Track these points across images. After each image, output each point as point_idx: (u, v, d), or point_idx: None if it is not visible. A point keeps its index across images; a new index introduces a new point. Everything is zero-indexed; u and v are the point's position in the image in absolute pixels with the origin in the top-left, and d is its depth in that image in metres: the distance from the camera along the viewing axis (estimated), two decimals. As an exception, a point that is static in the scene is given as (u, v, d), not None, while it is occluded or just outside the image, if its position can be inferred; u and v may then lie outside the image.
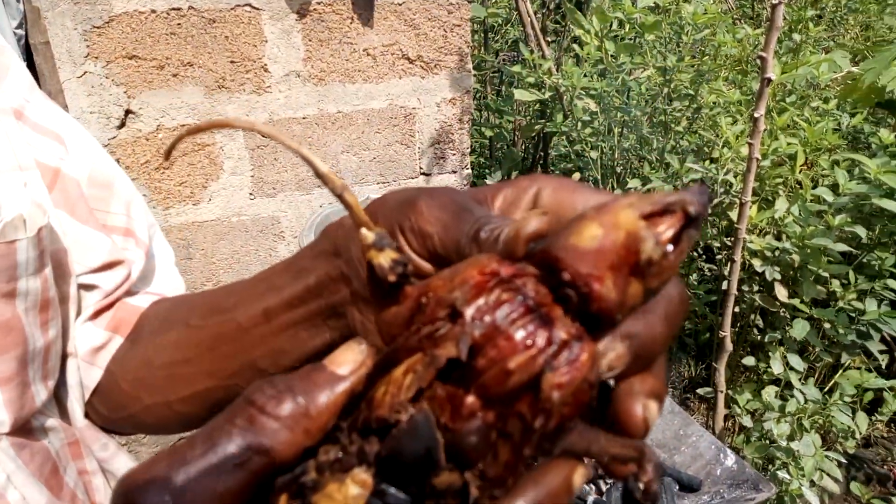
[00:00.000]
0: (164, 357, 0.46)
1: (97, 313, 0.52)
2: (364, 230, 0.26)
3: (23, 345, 0.43)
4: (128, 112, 1.69)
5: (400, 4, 1.80)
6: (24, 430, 0.46)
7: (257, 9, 1.68)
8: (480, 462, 0.22)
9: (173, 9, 1.62)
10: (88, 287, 0.52)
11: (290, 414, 0.22)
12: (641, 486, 0.23)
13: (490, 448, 0.22)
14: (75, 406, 0.51)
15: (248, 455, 0.22)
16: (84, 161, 0.52)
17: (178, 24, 1.64)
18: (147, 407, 0.47)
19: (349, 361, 0.24)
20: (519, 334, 0.21)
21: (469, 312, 0.21)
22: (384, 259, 0.25)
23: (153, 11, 1.61)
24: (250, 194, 1.87)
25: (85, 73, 1.64)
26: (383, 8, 1.78)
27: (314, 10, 1.73)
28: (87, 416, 0.52)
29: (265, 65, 1.74)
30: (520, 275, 0.22)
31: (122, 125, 1.69)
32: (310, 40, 1.76)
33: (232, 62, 1.72)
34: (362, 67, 1.83)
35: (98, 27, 1.59)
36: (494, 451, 0.22)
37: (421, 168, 2.05)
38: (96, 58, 1.61)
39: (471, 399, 0.21)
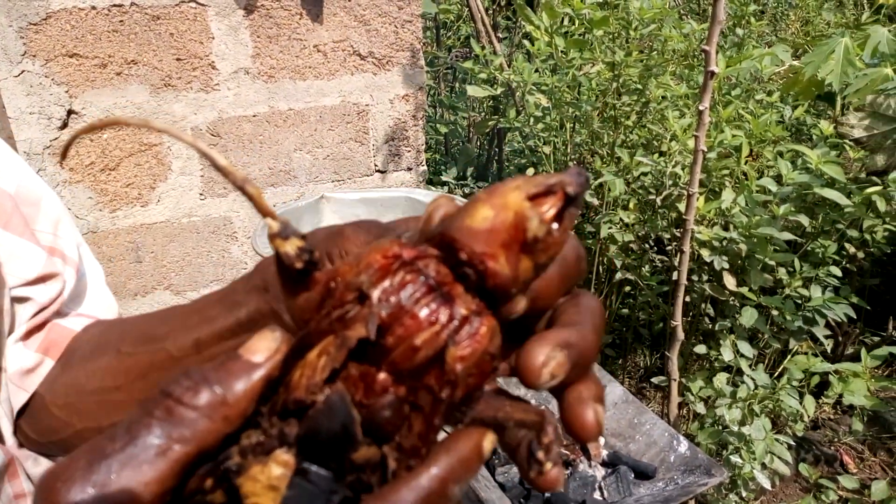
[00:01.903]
0: (95, 383, 0.46)
1: (29, 333, 0.50)
2: (269, 220, 0.26)
3: None
4: (70, 112, 1.64)
5: (349, 0, 1.78)
6: None
7: (203, 5, 1.65)
8: (396, 435, 0.23)
9: (115, 5, 1.57)
10: (22, 300, 0.50)
11: (207, 403, 0.22)
12: (543, 447, 0.24)
13: (404, 421, 0.23)
14: (4, 422, 0.49)
15: (168, 444, 0.22)
16: (11, 177, 0.51)
17: (121, 20, 1.59)
18: (78, 432, 0.47)
19: (263, 349, 0.24)
20: (423, 312, 0.23)
21: (375, 294, 0.23)
22: (290, 247, 0.26)
23: (93, 8, 1.56)
24: (200, 194, 1.83)
25: (23, 71, 1.58)
26: (332, 4, 1.76)
27: (261, 5, 1.70)
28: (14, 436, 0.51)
29: (213, 62, 1.71)
30: (421, 256, 0.24)
31: (65, 126, 1.64)
32: (258, 37, 1.73)
33: (178, 60, 1.68)
34: (313, 64, 1.81)
35: (35, 24, 1.53)
36: (408, 423, 0.23)
37: (376, 165, 2.04)
38: (34, 56, 1.55)
39: (382, 376, 0.22)
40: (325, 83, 1.85)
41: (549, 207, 0.23)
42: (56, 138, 1.63)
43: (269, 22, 1.73)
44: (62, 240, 0.54)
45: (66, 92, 1.60)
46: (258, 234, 1.53)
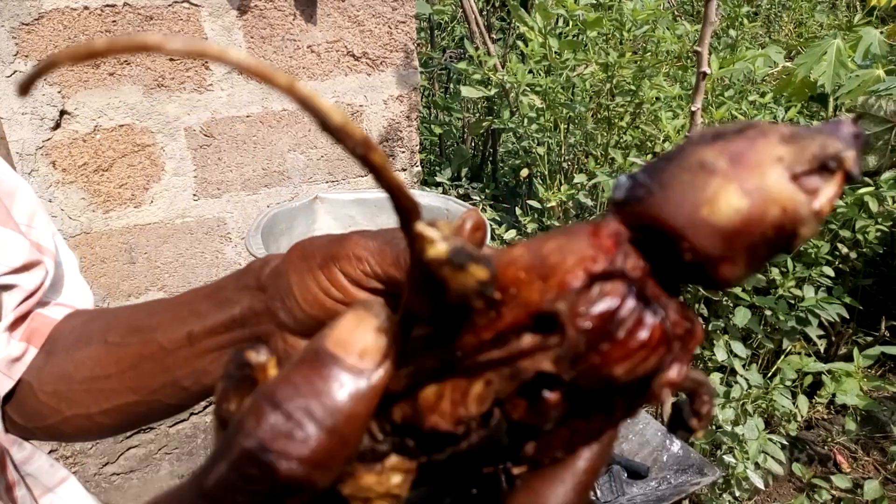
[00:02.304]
0: (83, 372, 0.47)
1: (15, 322, 0.51)
2: (426, 231, 0.18)
3: None
4: (63, 113, 1.63)
5: (343, 1, 1.78)
6: None
7: (196, 5, 1.64)
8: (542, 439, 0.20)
9: (107, 6, 1.57)
10: (8, 288, 0.51)
11: (320, 447, 0.19)
12: (695, 414, 0.23)
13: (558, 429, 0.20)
14: None
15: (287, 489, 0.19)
16: None
17: (114, 21, 1.59)
18: (67, 418, 0.48)
19: (371, 351, 0.19)
20: (630, 340, 0.18)
21: (572, 325, 0.18)
22: (468, 280, 0.18)
23: (86, 8, 1.56)
24: (194, 195, 1.82)
25: (15, 72, 1.57)
26: (326, 4, 1.76)
27: (255, 6, 1.70)
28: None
29: (206, 62, 1.71)
30: (623, 266, 0.18)
31: (57, 126, 1.63)
32: (251, 37, 1.73)
33: (171, 60, 1.67)
34: (307, 65, 1.81)
35: (27, 24, 1.53)
36: (565, 430, 0.20)
37: (370, 166, 2.04)
38: (26, 56, 1.55)
39: (554, 397, 0.19)
40: (319, 84, 1.85)
41: (826, 199, 0.17)
42: (49, 139, 1.62)
43: (263, 22, 1.72)
44: (38, 230, 0.54)
45: (59, 92, 1.60)
46: (251, 235, 1.53)
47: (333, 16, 1.79)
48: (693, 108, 1.14)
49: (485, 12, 2.86)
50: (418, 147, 2.12)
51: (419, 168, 2.13)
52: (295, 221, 1.73)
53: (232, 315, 0.38)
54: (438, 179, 2.51)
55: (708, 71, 1.12)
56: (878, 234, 1.84)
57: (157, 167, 1.76)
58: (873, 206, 1.76)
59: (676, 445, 1.01)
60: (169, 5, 1.62)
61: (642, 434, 1.06)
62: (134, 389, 0.44)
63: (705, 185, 0.17)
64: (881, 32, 2.04)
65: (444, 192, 2.46)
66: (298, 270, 0.34)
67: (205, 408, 1.87)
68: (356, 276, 0.31)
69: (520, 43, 2.02)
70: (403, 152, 2.06)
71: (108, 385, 0.45)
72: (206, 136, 1.78)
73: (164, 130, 1.73)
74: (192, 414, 1.85)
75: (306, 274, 0.33)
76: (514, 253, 0.19)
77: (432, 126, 2.75)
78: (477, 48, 2.05)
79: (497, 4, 2.93)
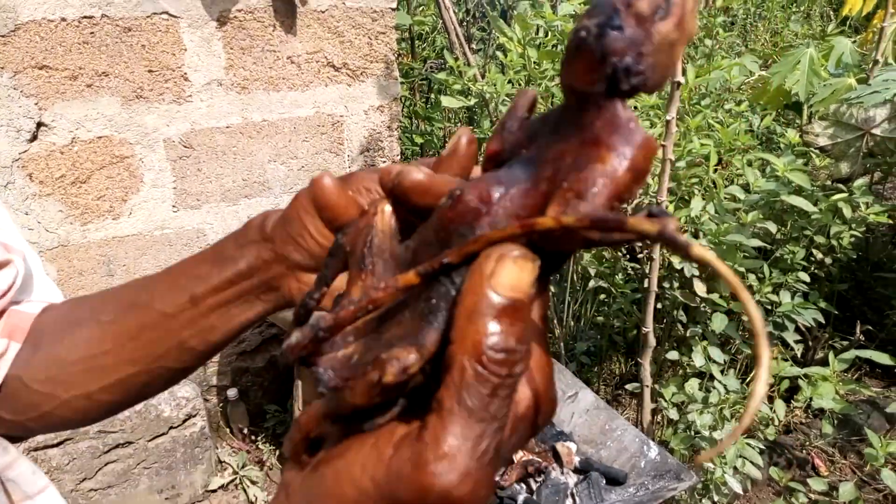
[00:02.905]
0: (78, 353, 0.48)
1: None
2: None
3: None
4: (40, 125, 1.62)
5: (323, 12, 1.79)
6: None
7: (175, 17, 1.64)
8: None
9: (85, 17, 1.56)
10: None
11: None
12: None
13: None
14: None
15: None
16: None
17: (91, 32, 1.58)
18: (65, 401, 0.49)
19: (525, 283, 0.23)
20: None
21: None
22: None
23: (63, 20, 1.55)
24: (173, 207, 1.82)
25: (-10, 84, 1.56)
26: (306, 16, 1.77)
27: (234, 17, 1.70)
28: None
29: (185, 73, 1.70)
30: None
31: (34, 138, 1.62)
32: (231, 48, 1.73)
33: (150, 71, 1.67)
34: (287, 75, 1.81)
35: (3, 36, 1.52)
36: None
37: (351, 176, 2.05)
38: (2, 68, 1.54)
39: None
40: (300, 94, 1.85)
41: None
42: (25, 151, 1.61)
43: (243, 33, 1.73)
44: (4, 230, 0.54)
45: (36, 104, 1.59)
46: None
47: (313, 27, 1.80)
48: (668, 118, 1.16)
49: (465, 23, 2.88)
50: (399, 157, 2.13)
51: (400, 177, 2.13)
52: (275, 232, 1.73)
53: (237, 270, 0.42)
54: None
55: (682, 80, 1.14)
56: (853, 239, 1.87)
57: (135, 179, 1.75)
58: (847, 212, 1.79)
59: (654, 451, 1.02)
60: (147, 17, 1.62)
61: (620, 440, 1.07)
62: (135, 361, 0.46)
63: None
64: (853, 42, 2.08)
65: (426, 201, 2.46)
66: (309, 211, 0.40)
67: (184, 421, 1.86)
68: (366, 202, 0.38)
69: (499, 53, 2.04)
70: (385, 162, 2.07)
71: (106, 361, 0.47)
72: (185, 147, 1.78)
73: (142, 142, 1.73)
74: (171, 427, 1.84)
75: (317, 212, 0.39)
76: None
77: (414, 136, 2.76)
78: (457, 59, 2.06)
79: (477, 15, 2.95)
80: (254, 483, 1.96)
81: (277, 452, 2.09)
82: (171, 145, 1.76)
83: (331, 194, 0.39)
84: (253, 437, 2.13)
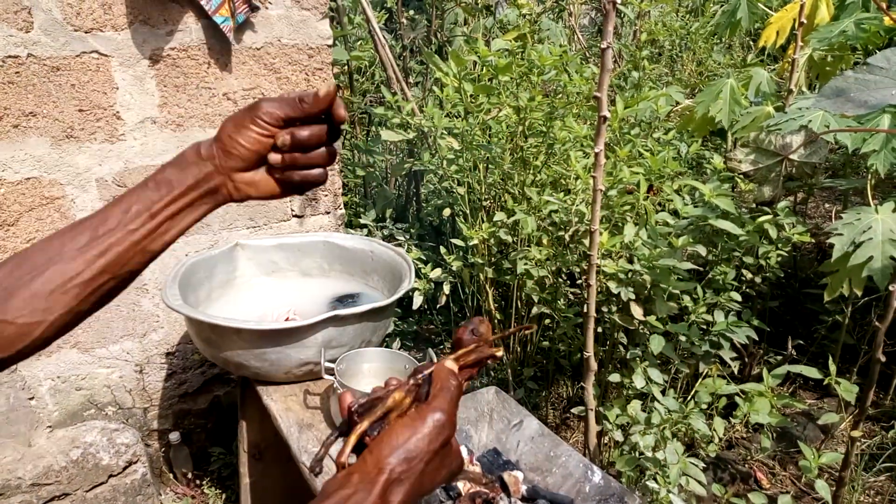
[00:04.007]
0: (55, 282, 0.60)
1: None
2: None
3: None
4: (-38, 167, 1.56)
5: (258, 49, 1.79)
6: None
7: (106, 55, 1.62)
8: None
9: (10, 56, 1.52)
10: None
11: None
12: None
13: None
14: None
15: None
16: None
17: (17, 72, 1.54)
18: (51, 323, 0.61)
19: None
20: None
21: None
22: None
23: (-13, 60, 1.51)
24: (108, 248, 1.77)
25: None
26: (241, 53, 1.77)
27: (168, 55, 1.69)
28: None
29: (117, 112, 1.68)
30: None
31: (-44, 181, 1.56)
32: (165, 86, 1.71)
33: (80, 111, 1.64)
34: (223, 112, 1.80)
35: (-78, 77, 1.47)
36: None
37: (293, 210, 2.04)
38: (-79, 110, 1.48)
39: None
40: (237, 131, 1.84)
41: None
42: (-53, 195, 1.55)
43: (176, 71, 1.71)
44: None
45: (-42, 146, 1.53)
46: (169, 285, 1.50)
47: (249, 63, 1.80)
48: (596, 150, 1.20)
49: (402, 57, 2.92)
50: (342, 190, 2.13)
51: (343, 210, 2.13)
52: (215, 269, 1.70)
53: (186, 185, 0.62)
54: (363, 221, 2.52)
55: (607, 115, 1.18)
56: (780, 258, 1.96)
57: (67, 220, 1.70)
58: (773, 232, 1.87)
59: (598, 476, 1.04)
60: (76, 56, 1.59)
61: (565, 466, 1.08)
62: (104, 271, 0.61)
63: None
64: (771, 70, 2.20)
65: (370, 234, 2.47)
66: (236, 127, 0.62)
67: (124, 469, 1.79)
68: (271, 122, 0.62)
69: (436, 88, 2.08)
70: (327, 195, 2.07)
71: (82, 278, 0.61)
72: (118, 186, 1.74)
73: (73, 182, 1.68)
74: (110, 476, 1.77)
75: (241, 128, 0.62)
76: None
77: (356, 168, 2.77)
78: (394, 93, 2.09)
79: (414, 49, 3.00)
80: (198, 530, 1.89)
81: (224, 496, 2.03)
82: (103, 185, 1.72)
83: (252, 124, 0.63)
84: (198, 482, 2.07)
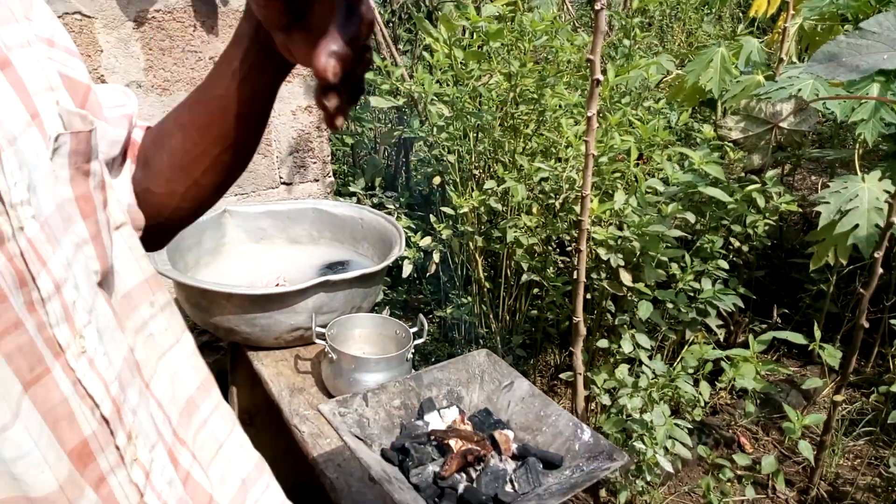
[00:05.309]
0: (177, 154, 0.64)
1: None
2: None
3: (95, 213, 0.51)
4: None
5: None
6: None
7: (89, 17, 1.59)
8: None
9: (-9, 16, 1.49)
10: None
11: None
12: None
13: None
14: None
15: None
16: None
17: (-2, 33, 1.51)
18: (182, 194, 0.66)
19: None
20: None
21: None
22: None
23: (-33, 19, 1.48)
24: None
25: None
26: (228, 15, 1.74)
27: (153, 17, 1.66)
28: None
29: (102, 76, 1.65)
30: None
31: (-62, 145, 1.54)
32: (150, 49, 1.68)
33: (64, 73, 1.61)
34: (210, 77, 1.77)
35: None
36: None
37: (281, 177, 2.02)
38: None
39: None
40: (224, 96, 1.82)
41: None
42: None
43: (162, 34, 1.68)
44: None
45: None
46: (157, 251, 1.49)
47: (235, 26, 1.77)
48: (588, 114, 1.20)
49: (391, 24, 2.89)
50: (330, 157, 2.12)
51: (332, 178, 2.12)
52: (203, 236, 1.69)
53: (245, 47, 0.59)
54: (352, 189, 2.50)
55: (601, 78, 1.18)
56: (767, 228, 1.98)
57: None
58: (760, 202, 1.89)
59: (587, 434, 1.06)
60: (59, 16, 1.55)
61: (555, 425, 1.10)
62: (216, 142, 0.63)
63: None
64: (761, 42, 2.20)
65: (359, 202, 2.46)
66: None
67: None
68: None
69: (426, 54, 2.06)
70: (315, 163, 2.05)
71: (197, 150, 0.64)
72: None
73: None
74: None
75: None
76: None
77: (344, 136, 2.75)
78: (384, 59, 2.07)
79: (403, 17, 2.97)
80: (189, 496, 1.91)
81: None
82: (89, 150, 1.70)
83: None
84: (187, 449, 2.07)
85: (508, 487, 1.02)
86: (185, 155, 0.64)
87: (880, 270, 1.55)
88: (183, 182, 0.65)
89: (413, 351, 1.40)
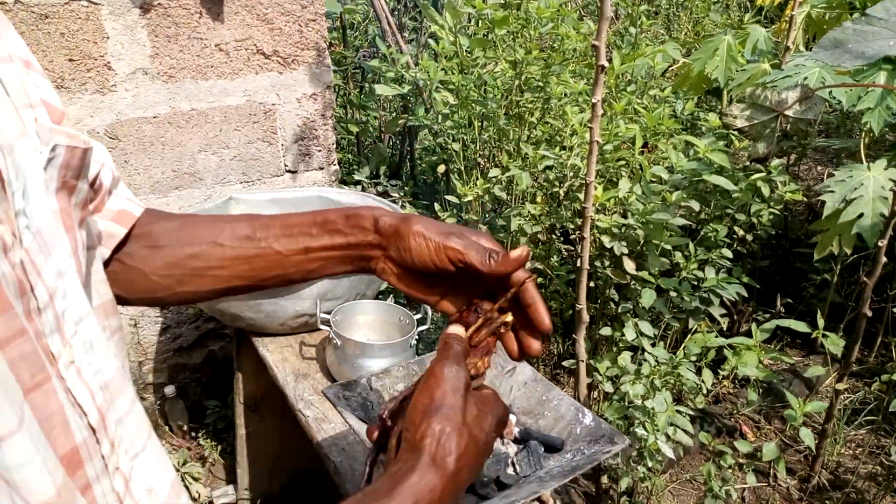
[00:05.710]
0: (197, 263, 0.63)
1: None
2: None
3: (74, 229, 0.50)
4: (-49, 116, 1.55)
5: (251, -1, 1.76)
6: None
7: (96, 3, 1.59)
8: None
9: (-2, 3, 1.50)
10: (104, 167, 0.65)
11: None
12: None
13: None
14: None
15: None
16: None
17: (5, 19, 1.51)
18: (175, 293, 0.64)
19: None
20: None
21: None
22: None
23: (-26, 5, 1.48)
24: (101, 200, 1.76)
25: None
26: (233, 2, 1.74)
27: (158, 4, 1.66)
28: None
29: (108, 62, 1.65)
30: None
31: (-54, 131, 1.55)
32: (156, 36, 1.69)
33: (70, 60, 1.61)
34: (215, 63, 1.78)
35: None
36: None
37: (286, 165, 2.03)
38: None
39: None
40: (229, 83, 1.82)
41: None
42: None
43: (168, 21, 1.69)
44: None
45: (-53, 94, 1.51)
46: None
47: (241, 14, 1.77)
48: (593, 100, 1.20)
49: (396, 12, 2.88)
50: (335, 146, 2.12)
51: (336, 167, 2.13)
52: (209, 223, 1.70)
53: (347, 242, 0.61)
54: (357, 178, 2.51)
55: (606, 64, 1.18)
56: (771, 217, 1.97)
57: (59, 171, 1.69)
58: (765, 190, 1.88)
59: (588, 418, 1.07)
60: (65, 3, 1.56)
61: (557, 410, 1.11)
62: (244, 277, 0.63)
63: None
64: (767, 30, 2.19)
65: (363, 190, 2.47)
66: (417, 242, 0.58)
67: None
68: (453, 259, 0.57)
69: (431, 42, 2.05)
70: (320, 151, 2.06)
71: (220, 273, 0.63)
72: (110, 138, 1.72)
73: None
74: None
75: (423, 247, 0.57)
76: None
77: (349, 125, 2.75)
78: (389, 46, 2.07)
79: (409, 5, 2.96)
80: (196, 480, 1.93)
81: (219, 448, 2.06)
82: (95, 137, 1.71)
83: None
84: (193, 434, 2.09)
85: (510, 470, 1.03)
86: (206, 269, 0.63)
87: (884, 259, 1.55)
88: (185, 286, 0.64)
89: (417, 337, 1.41)
